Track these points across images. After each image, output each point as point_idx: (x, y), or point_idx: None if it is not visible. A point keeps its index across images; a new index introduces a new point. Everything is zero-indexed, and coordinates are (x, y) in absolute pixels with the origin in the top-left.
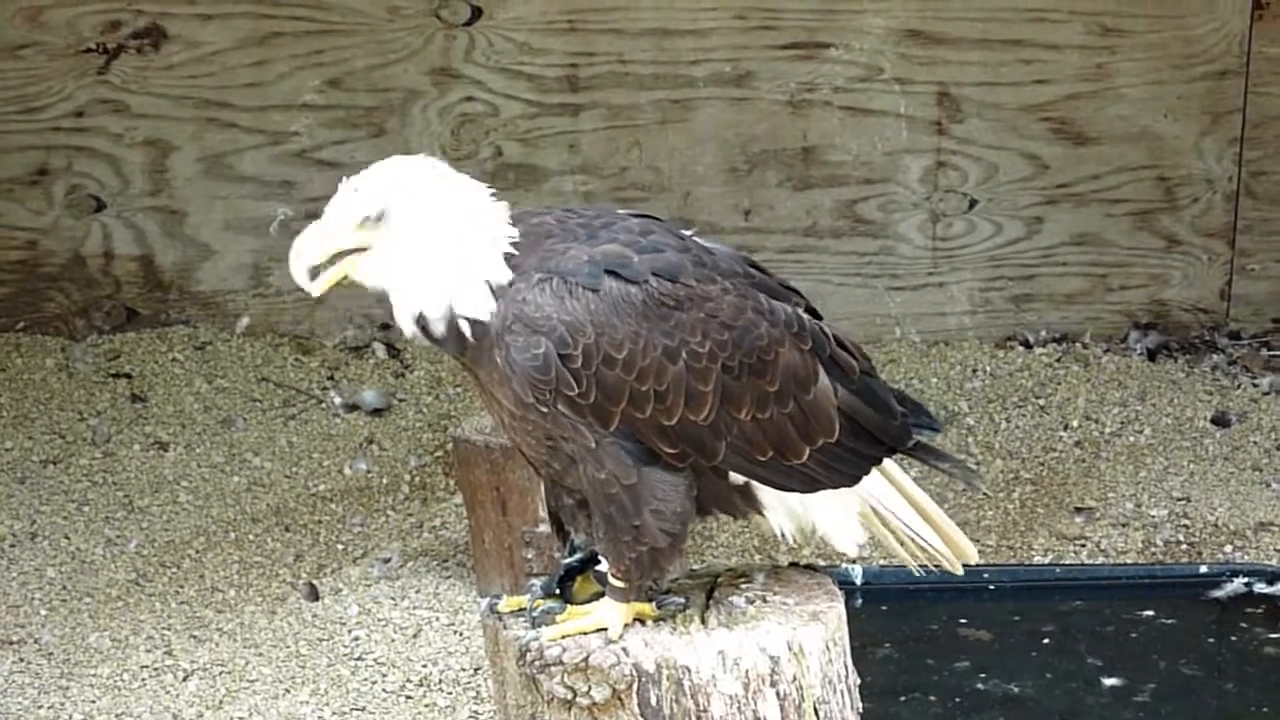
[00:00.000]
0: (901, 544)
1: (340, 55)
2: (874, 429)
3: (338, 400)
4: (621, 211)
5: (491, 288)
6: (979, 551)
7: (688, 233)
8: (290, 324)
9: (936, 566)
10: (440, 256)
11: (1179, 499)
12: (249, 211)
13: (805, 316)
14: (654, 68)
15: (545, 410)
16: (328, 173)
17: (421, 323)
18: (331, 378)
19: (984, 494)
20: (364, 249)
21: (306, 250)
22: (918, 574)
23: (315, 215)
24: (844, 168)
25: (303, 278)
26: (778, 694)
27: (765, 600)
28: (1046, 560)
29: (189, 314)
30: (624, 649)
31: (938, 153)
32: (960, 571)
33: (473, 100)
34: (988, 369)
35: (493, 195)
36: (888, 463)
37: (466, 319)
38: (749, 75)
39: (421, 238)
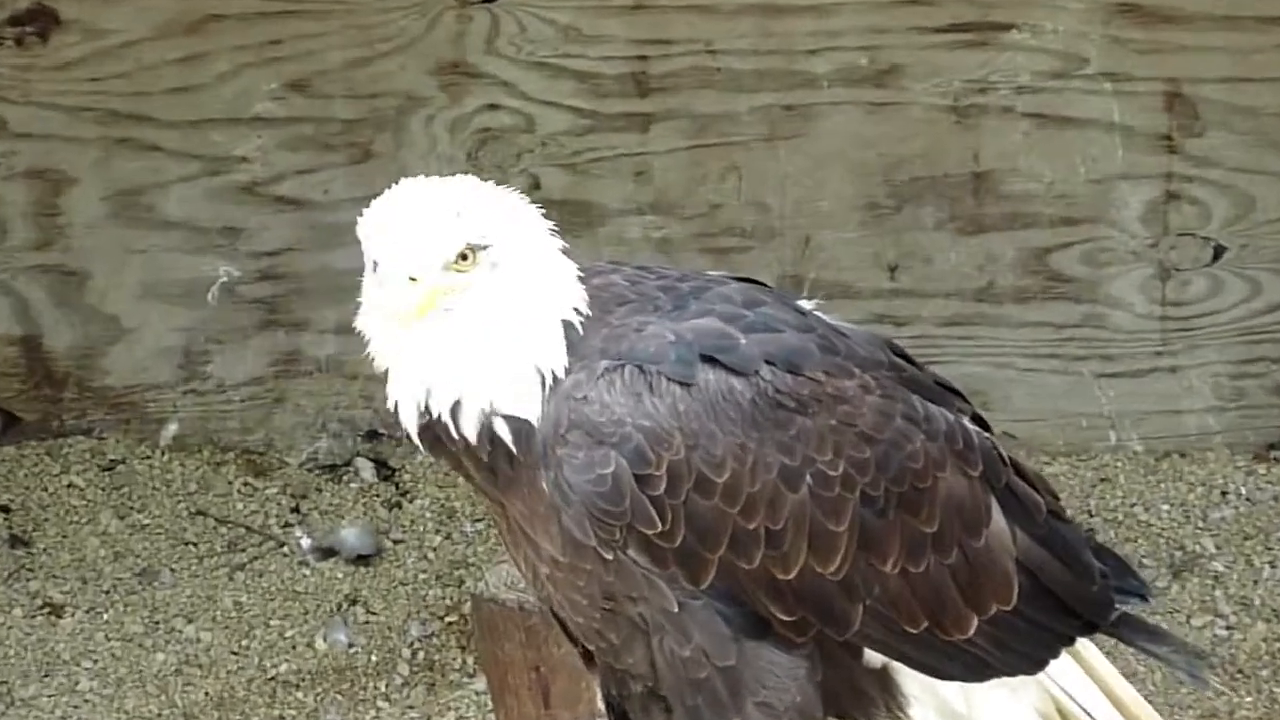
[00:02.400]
0: None
1: (307, 46)
2: (1065, 594)
3: (306, 543)
4: (714, 273)
5: (544, 376)
6: None
7: (807, 304)
8: (237, 432)
9: None
10: (515, 323)
11: None
12: (177, 271)
13: (972, 428)
14: (757, 60)
15: (609, 557)
16: (289, 215)
17: (436, 421)
18: (297, 510)
19: (1217, 691)
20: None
21: (401, 298)
22: None
23: (272, 275)
24: (1032, 202)
25: (391, 334)
26: None
27: None
28: None
29: (92, 419)
30: None
31: (1167, 179)
32: None
33: (498, 109)
34: (1241, 491)
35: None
36: (1081, 643)
37: (506, 419)
38: (894, 71)
39: (516, 292)
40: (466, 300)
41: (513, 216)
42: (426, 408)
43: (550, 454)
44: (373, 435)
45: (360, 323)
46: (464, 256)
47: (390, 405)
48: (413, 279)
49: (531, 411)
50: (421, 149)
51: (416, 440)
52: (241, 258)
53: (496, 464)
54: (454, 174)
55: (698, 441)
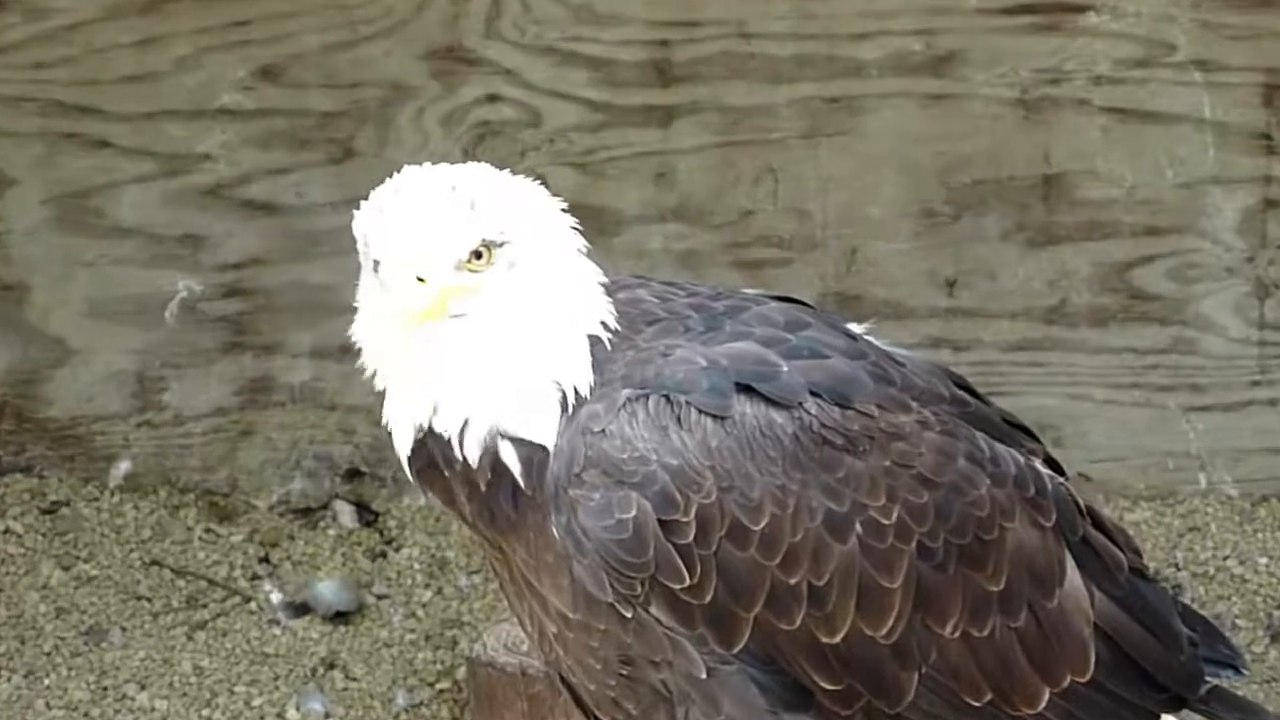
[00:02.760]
0: None
1: (279, 29)
2: (1148, 663)
3: (276, 598)
4: (750, 291)
5: (565, 395)
6: None
7: (857, 327)
8: (198, 471)
9: None
10: (534, 332)
11: None
12: (130, 285)
13: (1044, 471)
14: (797, 46)
15: (628, 615)
16: (258, 221)
17: (433, 438)
18: (266, 560)
19: None
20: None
21: (407, 301)
22: None
23: (239, 290)
24: (1110, 209)
25: (410, 335)
26: None
27: None
28: None
29: (31, 456)
30: None
31: (1266, 183)
32: None
33: (498, 101)
34: None
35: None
36: None
37: (515, 442)
38: (953, 58)
39: (536, 297)
40: (480, 304)
41: (533, 211)
42: (427, 424)
43: (562, 495)
44: (353, 475)
45: (356, 332)
46: (478, 255)
47: (384, 423)
48: (420, 279)
49: (545, 436)
50: (410, 146)
51: (406, 467)
52: (204, 270)
53: (496, 501)
54: None
55: (732, 483)
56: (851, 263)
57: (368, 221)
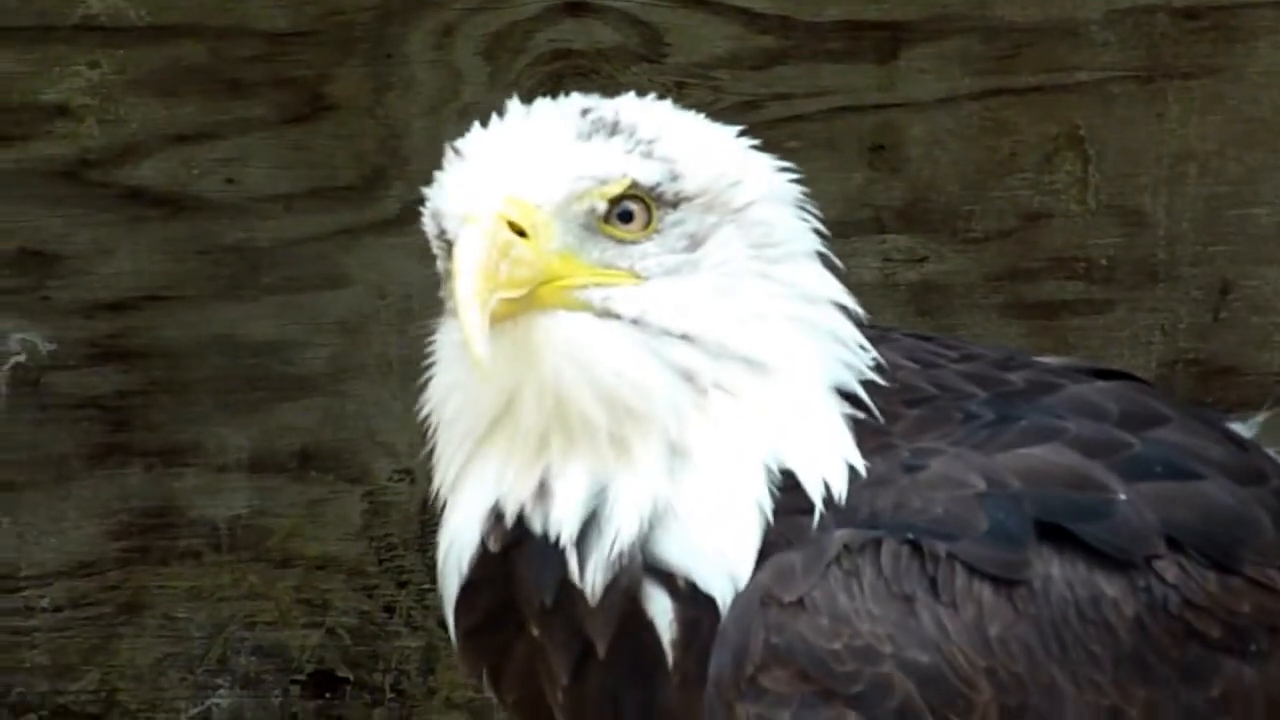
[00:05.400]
0: None
1: None
2: None
3: None
4: (1052, 360)
5: (815, 507)
6: None
7: (1242, 427)
8: (46, 675)
9: None
10: (747, 375)
11: None
12: None
13: None
14: None
15: None
16: (156, 228)
17: (529, 551)
18: None
19: None
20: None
21: (487, 259)
22: None
23: (118, 350)
24: None
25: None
26: None
27: None
28: None
29: None
30: None
31: None
32: None
33: (586, 15)
34: None
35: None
36: None
37: (676, 584)
38: None
39: (747, 303)
40: (639, 298)
41: (741, 163)
42: (517, 518)
43: (722, 709)
44: (326, 683)
45: (430, 398)
46: (628, 213)
47: (441, 547)
48: (514, 224)
49: (725, 583)
50: (427, 93)
51: (451, 612)
52: (55, 315)
53: (616, 687)
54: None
55: (1025, 699)
56: (1221, 307)
57: (443, 184)
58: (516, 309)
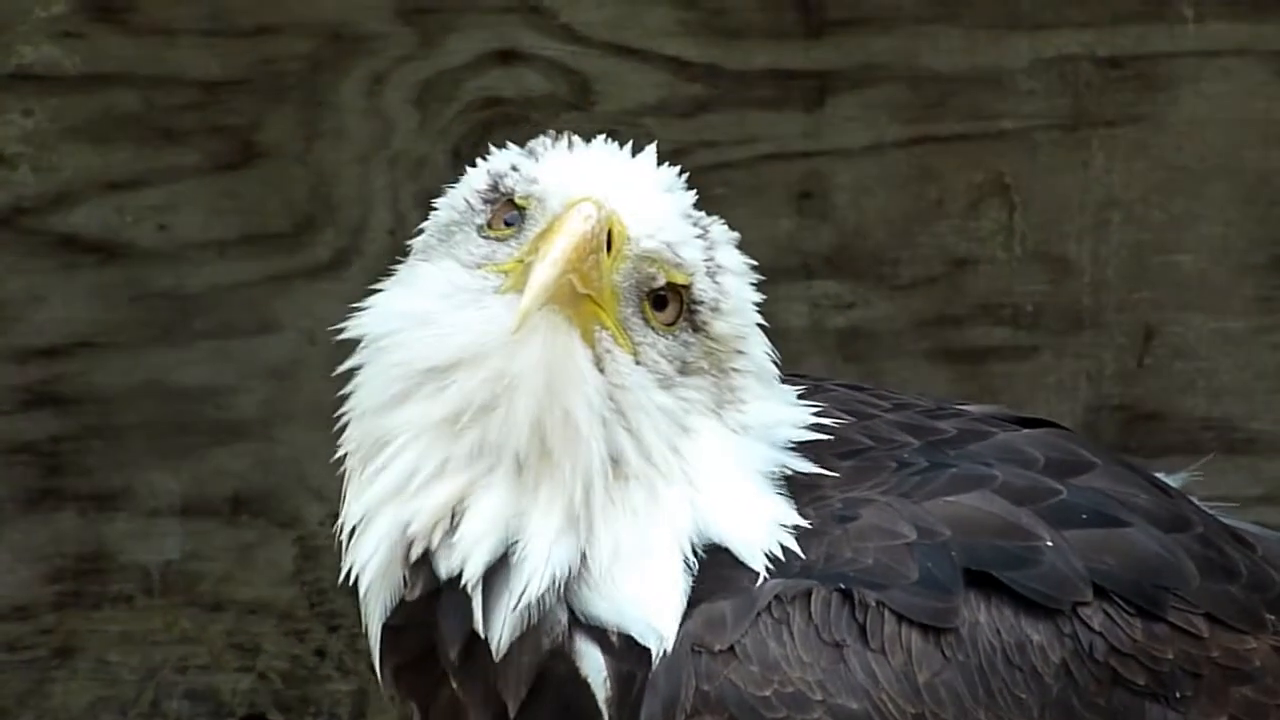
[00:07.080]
0: None
1: None
2: None
3: None
4: (975, 408)
5: (752, 563)
6: None
7: (1170, 478)
8: None
9: None
10: (712, 438)
11: None
12: None
13: None
14: None
15: None
16: (89, 274)
17: (446, 599)
18: None
19: None
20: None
21: (574, 253)
22: None
23: (52, 398)
24: None
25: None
26: None
27: None
28: None
29: None
30: None
31: None
32: None
33: (517, 62)
34: None
35: None
36: None
37: (605, 637)
38: None
39: (725, 384)
40: (626, 371)
41: (733, 262)
42: (423, 554)
43: None
44: None
45: (360, 327)
46: (664, 302)
47: (352, 563)
48: (610, 237)
49: (655, 635)
50: (359, 139)
51: (377, 647)
52: None
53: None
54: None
55: None
56: (1146, 353)
57: (553, 156)
58: (561, 301)
